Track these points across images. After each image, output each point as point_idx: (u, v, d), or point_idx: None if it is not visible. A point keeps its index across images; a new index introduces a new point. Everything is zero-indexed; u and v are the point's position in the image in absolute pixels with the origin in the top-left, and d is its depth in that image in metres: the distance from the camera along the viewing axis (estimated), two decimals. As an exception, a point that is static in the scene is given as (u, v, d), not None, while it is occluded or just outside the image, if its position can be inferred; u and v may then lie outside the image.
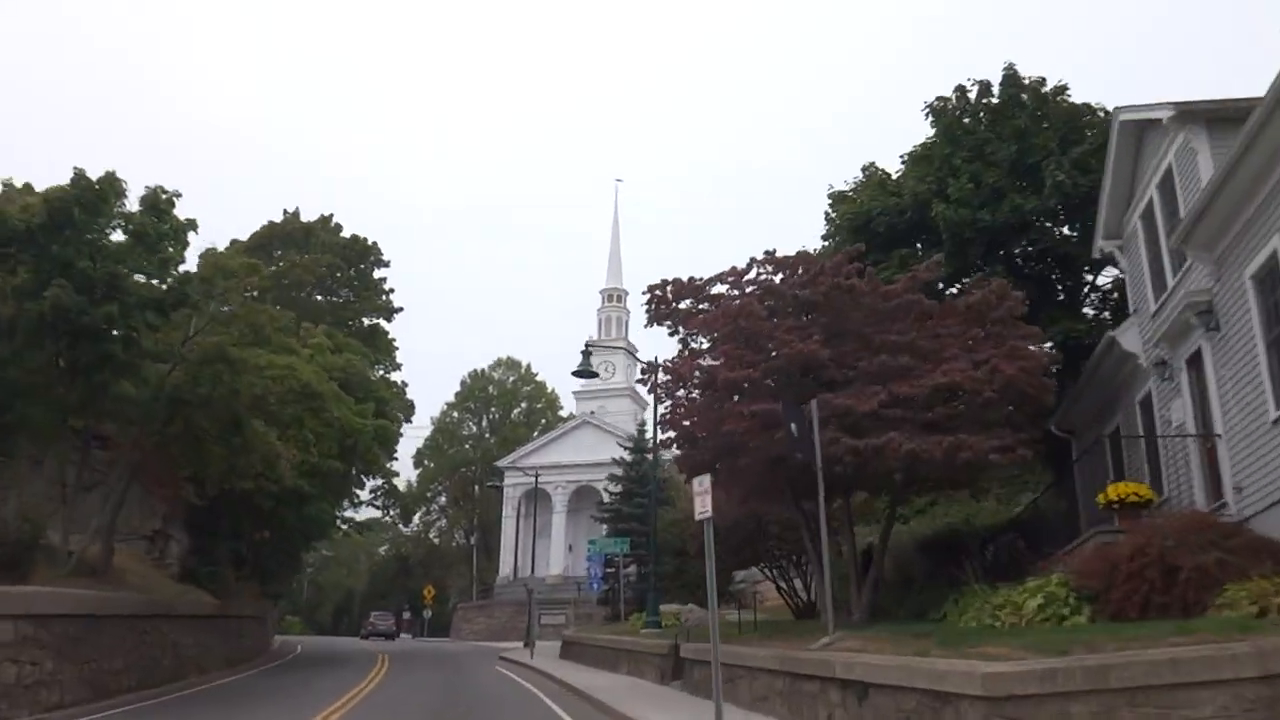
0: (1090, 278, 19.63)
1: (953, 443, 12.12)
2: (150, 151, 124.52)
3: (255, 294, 23.94)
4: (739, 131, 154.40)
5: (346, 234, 41.35)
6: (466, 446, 76.58)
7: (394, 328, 42.14)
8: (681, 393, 16.22)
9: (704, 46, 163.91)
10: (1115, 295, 19.99)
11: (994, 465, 12.78)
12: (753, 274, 15.46)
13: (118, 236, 17.75)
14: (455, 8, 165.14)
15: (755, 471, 14.09)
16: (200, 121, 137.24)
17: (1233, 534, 9.28)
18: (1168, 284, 12.21)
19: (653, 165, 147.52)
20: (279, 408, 18.30)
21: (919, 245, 19.25)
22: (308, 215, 42.22)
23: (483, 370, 78.31)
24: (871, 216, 19.10)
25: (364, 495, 38.72)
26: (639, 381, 17.64)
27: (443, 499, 77.57)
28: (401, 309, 42.22)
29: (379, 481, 38.04)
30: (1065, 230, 18.61)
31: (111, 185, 16.87)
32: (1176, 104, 11.30)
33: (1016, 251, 18.35)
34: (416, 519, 77.86)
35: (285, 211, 41.33)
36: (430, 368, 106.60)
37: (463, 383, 77.75)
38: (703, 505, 10.40)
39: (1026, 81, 19.63)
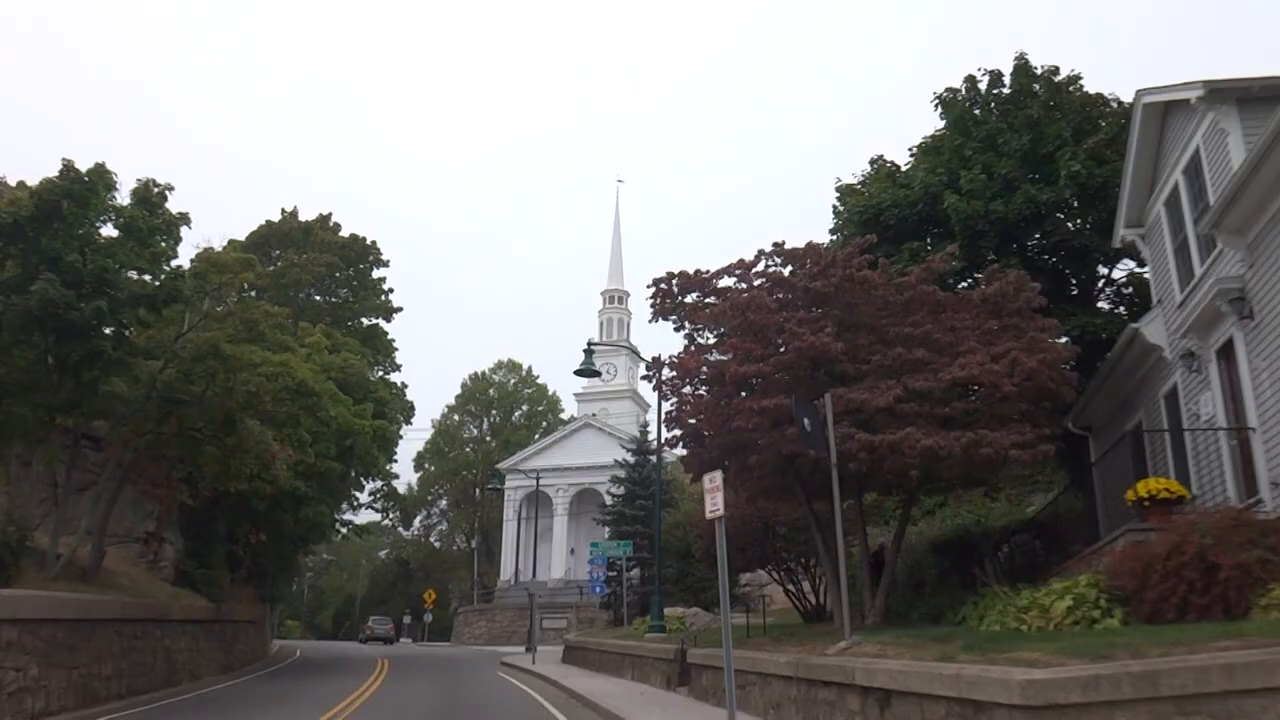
0: (1105, 271, 19.15)
1: (973, 438, 11.64)
2: (149, 169, 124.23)
3: (252, 292, 23.54)
4: (741, 131, 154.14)
5: (345, 234, 40.88)
6: (467, 449, 76.11)
7: (394, 329, 41.75)
8: (687, 389, 15.73)
9: (706, 47, 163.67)
10: (1130, 290, 19.54)
11: (1014, 462, 12.27)
12: (761, 266, 14.98)
13: (109, 231, 17.34)
14: (456, 8, 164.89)
15: (765, 470, 13.60)
16: (200, 139, 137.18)
17: (1273, 531, 8.78)
18: (1195, 272, 11.73)
19: (653, 166, 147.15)
20: (274, 406, 17.82)
21: (929, 239, 18.79)
22: (307, 219, 41.82)
23: (483, 373, 77.89)
24: (881, 209, 18.62)
25: (363, 498, 38.26)
26: (644, 378, 17.16)
27: (443, 502, 77.12)
28: (401, 309, 41.77)
29: (378, 484, 37.56)
30: (1080, 222, 18.10)
31: (101, 177, 16.42)
32: (1207, 82, 10.82)
33: (1030, 244, 17.86)
34: (417, 522, 77.50)
35: (283, 211, 40.89)
36: (431, 371, 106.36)
37: (463, 385, 77.36)
38: (713, 503, 9.91)
39: (1039, 71, 19.18)
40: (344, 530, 39.13)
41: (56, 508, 18.81)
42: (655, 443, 36.60)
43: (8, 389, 16.08)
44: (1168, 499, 10.30)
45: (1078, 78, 19.05)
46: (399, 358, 41.25)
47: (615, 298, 69.40)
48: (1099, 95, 19.01)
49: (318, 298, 39.97)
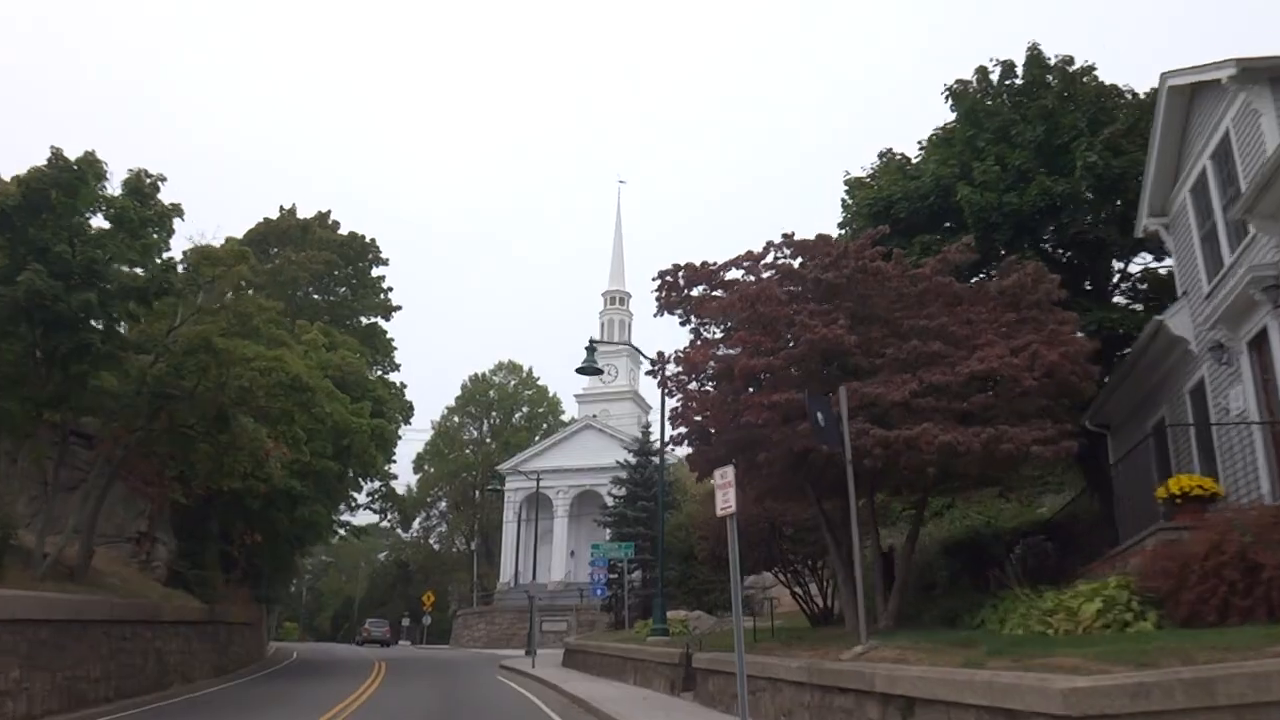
0: (1120, 266, 18.70)
1: (993, 434, 11.17)
2: (149, 169, 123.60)
3: (250, 291, 23.06)
4: (741, 131, 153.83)
5: (344, 231, 40.42)
6: (467, 451, 75.63)
7: (393, 329, 41.30)
8: (693, 385, 15.27)
9: (706, 47, 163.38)
10: (1145, 285, 19.08)
11: (1035, 459, 11.79)
12: (770, 258, 14.52)
13: (100, 223, 16.89)
14: (456, 8, 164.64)
15: (775, 468, 13.11)
16: (200, 139, 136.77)
17: (1315, 530, 8.31)
18: (1224, 260, 11.27)
19: (654, 166, 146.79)
20: (267, 402, 17.33)
21: (941, 232, 18.31)
22: (306, 217, 41.37)
23: (483, 374, 77.39)
24: (892, 202, 18.15)
25: (361, 499, 37.75)
26: (648, 373, 16.70)
27: (443, 504, 76.61)
28: (400, 307, 41.32)
29: (377, 484, 37.05)
30: (1096, 215, 17.63)
31: (91, 167, 15.96)
32: (1239, 61, 10.36)
33: (1044, 237, 17.40)
34: (416, 524, 76.95)
35: (282, 209, 40.46)
36: (431, 372, 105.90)
37: (463, 387, 76.87)
38: (724, 499, 9.43)
39: (1052, 62, 18.73)
40: (342, 531, 38.67)
41: (46, 506, 18.37)
42: (658, 442, 36.21)
43: (-6, 382, 15.63)
44: (1200, 496, 9.83)
45: (1091, 68, 18.59)
46: (398, 357, 40.86)
47: (617, 298, 68.90)
48: (1113, 86, 18.56)
49: (316, 296, 39.51)
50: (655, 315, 15.64)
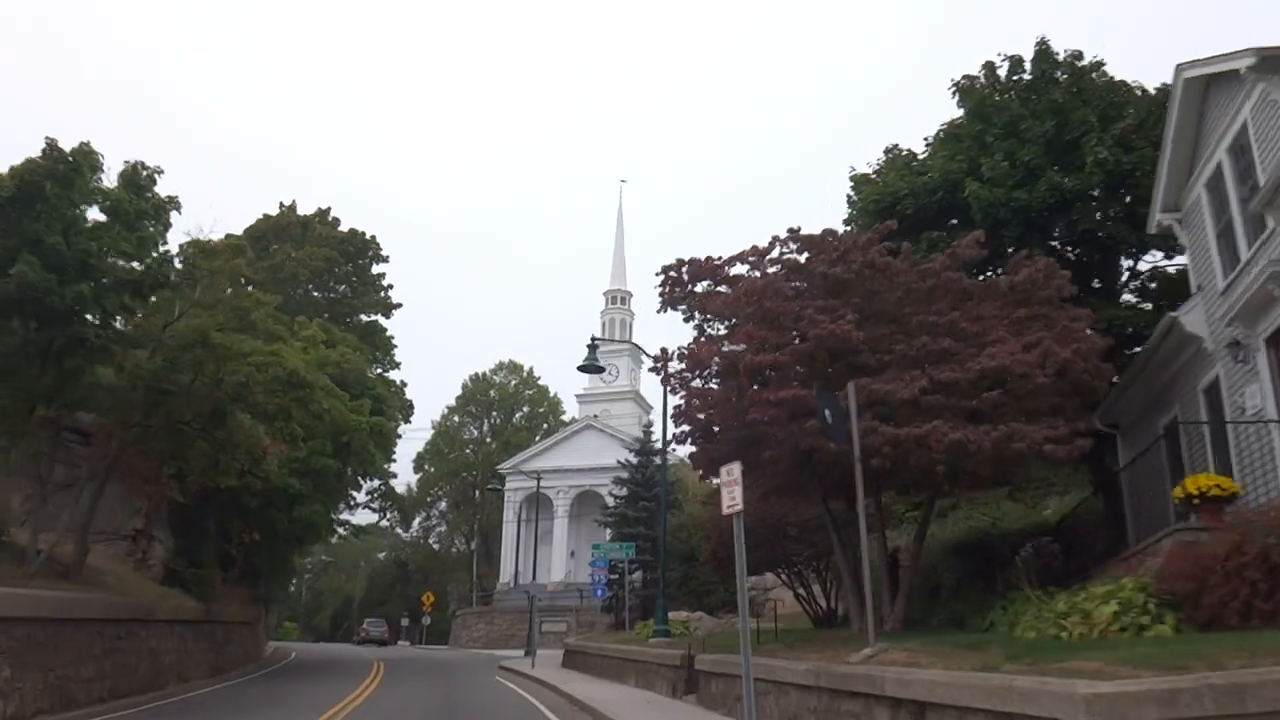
0: (1129, 264, 18.47)
1: (1005, 432, 10.93)
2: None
3: (247, 285, 22.80)
4: (741, 131, 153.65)
5: (344, 228, 40.16)
6: (467, 451, 75.34)
7: (393, 327, 41.06)
8: (697, 383, 15.05)
9: (706, 47, 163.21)
10: (1154, 284, 18.85)
11: (1048, 458, 11.54)
12: (775, 253, 14.30)
13: (96, 216, 16.65)
14: (456, 8, 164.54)
15: (780, 466, 12.88)
16: (200, 139, 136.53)
17: (1340, 529, 8.06)
18: (1241, 256, 11.02)
19: (654, 166, 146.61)
20: (265, 398, 17.08)
21: (947, 229, 18.07)
22: (306, 213, 41.12)
23: (484, 374, 77.10)
24: (899, 198, 17.89)
25: (360, 498, 37.51)
26: (651, 369, 16.47)
27: (443, 504, 76.33)
28: (400, 305, 41.10)
29: (376, 483, 36.81)
30: (1105, 212, 17.38)
31: (86, 158, 15.71)
32: (1258, 50, 10.12)
33: (1053, 233, 17.15)
34: (416, 524, 76.71)
35: (282, 205, 40.22)
36: (431, 371, 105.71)
37: (464, 386, 76.58)
38: (731, 497, 9.17)
39: (1060, 57, 18.49)
40: (341, 531, 38.45)
41: (40, 502, 18.14)
42: (660, 441, 35.95)
43: (-13, 376, 15.39)
44: (1218, 496, 9.58)
45: (1100, 63, 18.36)
46: (398, 355, 40.60)
47: (618, 298, 68.63)
48: (1122, 82, 18.33)
49: (316, 294, 39.26)
50: (658, 311, 15.42)
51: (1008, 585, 15.71)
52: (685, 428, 15.21)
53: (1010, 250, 17.10)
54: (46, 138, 15.25)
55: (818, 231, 14.53)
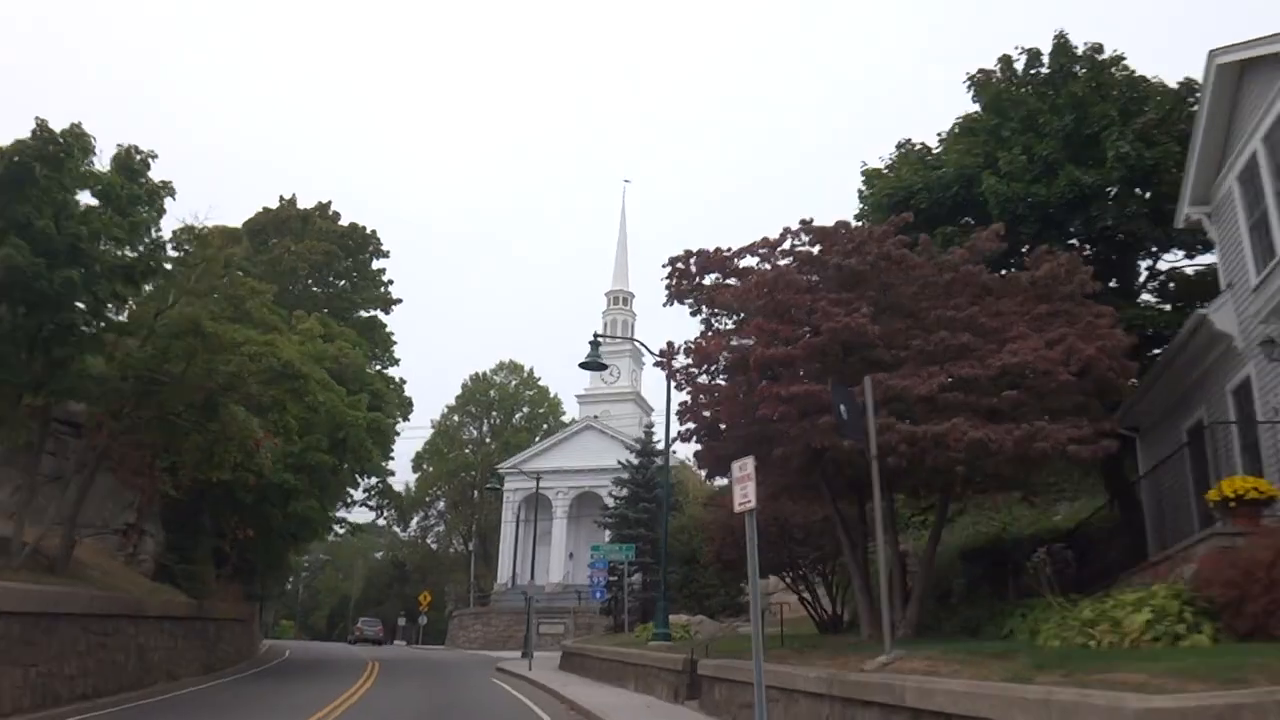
0: (1148, 264, 18.00)
1: (1027, 431, 10.46)
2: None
3: (242, 274, 22.33)
4: (741, 132, 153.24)
5: (344, 223, 39.68)
6: (466, 451, 74.91)
7: (393, 325, 40.62)
8: (704, 378, 14.59)
9: (706, 47, 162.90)
10: (1173, 284, 18.39)
11: (1071, 459, 11.07)
12: (787, 244, 13.86)
13: (89, 201, 16.20)
14: (456, 8, 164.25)
15: (791, 465, 12.41)
16: (200, 139, 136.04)
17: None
18: (1277, 251, 10.54)
19: (653, 166, 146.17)
20: (259, 390, 16.60)
21: (962, 225, 17.61)
22: (306, 207, 40.62)
23: (484, 374, 76.69)
24: (912, 192, 17.43)
25: (358, 495, 37.02)
26: (656, 364, 16.01)
27: (441, 504, 75.88)
28: (400, 300, 40.63)
29: (374, 481, 36.31)
30: (1125, 210, 16.92)
31: (78, 140, 15.25)
32: (1301, 33, 9.67)
33: (1072, 230, 16.67)
34: (414, 524, 76.25)
35: (281, 198, 39.71)
36: (431, 371, 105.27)
37: (464, 386, 76.18)
38: (743, 494, 8.70)
39: (1079, 51, 18.03)
40: (339, 529, 37.97)
41: (27, 495, 17.67)
42: (662, 441, 35.44)
43: (-28, 364, 14.93)
44: (1256, 500, 9.10)
45: (1121, 57, 17.90)
46: (397, 352, 40.13)
47: (620, 298, 68.18)
48: (1142, 77, 17.87)
49: (315, 289, 38.78)
50: (665, 304, 14.97)
51: (1021, 592, 15.26)
52: (690, 425, 14.76)
53: (1024, 249, 16.70)
54: (36, 118, 14.80)
55: (829, 224, 14.11)
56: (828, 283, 12.87)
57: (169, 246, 16.44)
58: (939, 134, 19.63)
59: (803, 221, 13.81)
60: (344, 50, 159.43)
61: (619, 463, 39.37)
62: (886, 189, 18.16)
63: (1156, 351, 16.08)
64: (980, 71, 18.87)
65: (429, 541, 78.57)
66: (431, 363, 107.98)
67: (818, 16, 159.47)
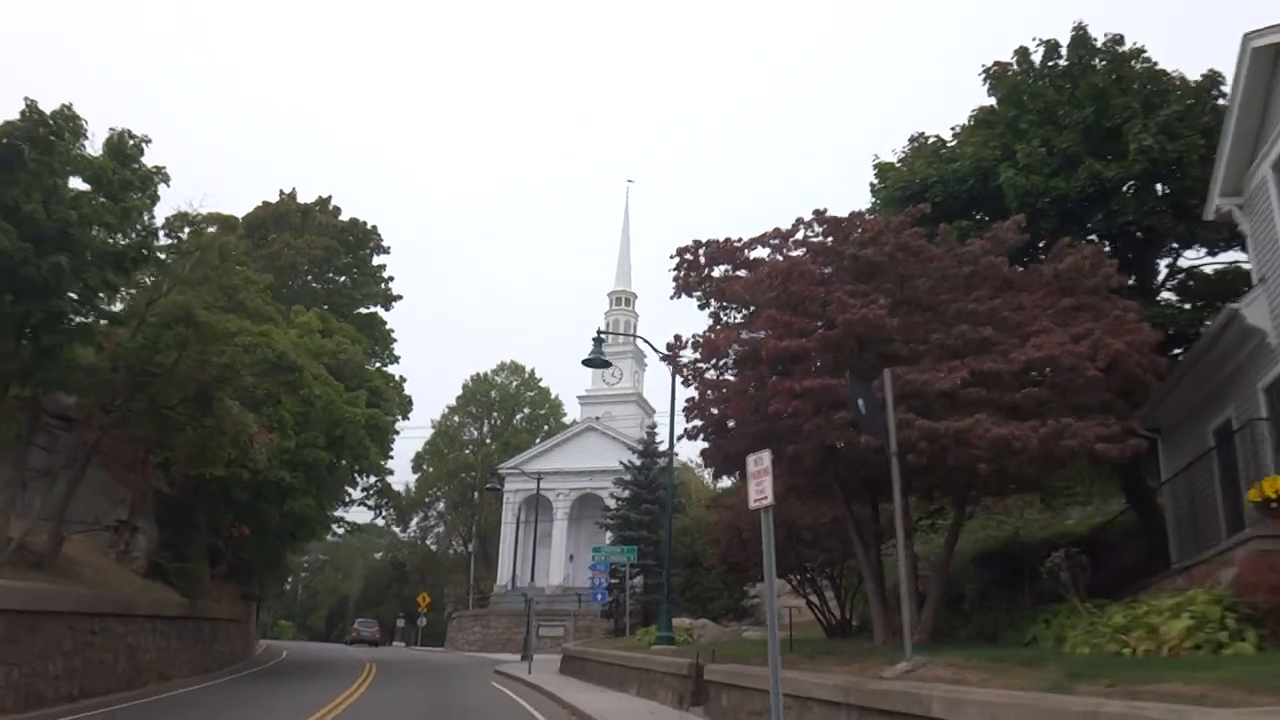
0: (1168, 260, 17.54)
1: (1054, 428, 9.98)
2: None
3: (239, 265, 21.88)
4: (741, 131, 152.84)
5: (345, 218, 39.23)
6: (467, 451, 74.43)
7: (394, 323, 40.12)
8: (712, 374, 14.12)
9: (706, 47, 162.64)
10: (1191, 283, 17.93)
11: (1099, 458, 10.59)
12: (799, 235, 13.40)
13: (80, 186, 15.76)
14: (457, 10, 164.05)
15: (804, 463, 11.92)
16: (200, 139, 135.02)
17: None
18: (1316, 242, 10.11)
19: (653, 166, 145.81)
20: (253, 382, 16.13)
21: (976, 220, 17.16)
22: (306, 201, 40.20)
23: (485, 374, 76.23)
24: (926, 185, 16.97)
25: (356, 494, 36.51)
26: (664, 358, 15.55)
27: (441, 505, 75.40)
28: (400, 297, 40.17)
29: (372, 480, 35.81)
30: (1146, 205, 16.47)
31: (68, 122, 14.79)
32: (1348, 12, 9.22)
33: (1089, 225, 16.22)
34: (414, 524, 75.75)
35: (281, 192, 39.25)
36: (431, 372, 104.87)
37: (464, 386, 75.74)
38: (759, 489, 8.23)
39: (1099, 44, 17.59)
40: (337, 528, 37.48)
41: (24, 490, 17.21)
42: (664, 443, 34.97)
43: (-43, 353, 14.47)
44: (1298, 501, 8.62)
45: (1141, 50, 17.44)
46: (397, 350, 39.65)
47: (623, 299, 67.72)
48: (1163, 71, 17.42)
49: (315, 285, 38.32)
50: (672, 297, 14.51)
51: (1037, 597, 14.79)
52: (697, 422, 14.31)
53: (1041, 244, 16.25)
54: (26, 99, 14.36)
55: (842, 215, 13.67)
56: (842, 274, 12.41)
57: (161, 234, 15.99)
58: (953, 128, 19.20)
59: (816, 212, 13.37)
60: (345, 50, 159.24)
61: (621, 463, 38.92)
62: (900, 182, 17.72)
63: (1177, 352, 15.64)
64: (996, 64, 18.43)
65: (429, 542, 78.07)
66: (432, 363, 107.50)
67: (817, 16, 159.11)
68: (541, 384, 77.18)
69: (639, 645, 22.37)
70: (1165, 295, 17.77)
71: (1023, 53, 18.18)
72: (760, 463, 8.17)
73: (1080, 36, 17.62)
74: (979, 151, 16.86)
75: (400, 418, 35.17)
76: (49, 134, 14.49)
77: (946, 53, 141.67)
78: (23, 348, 15.04)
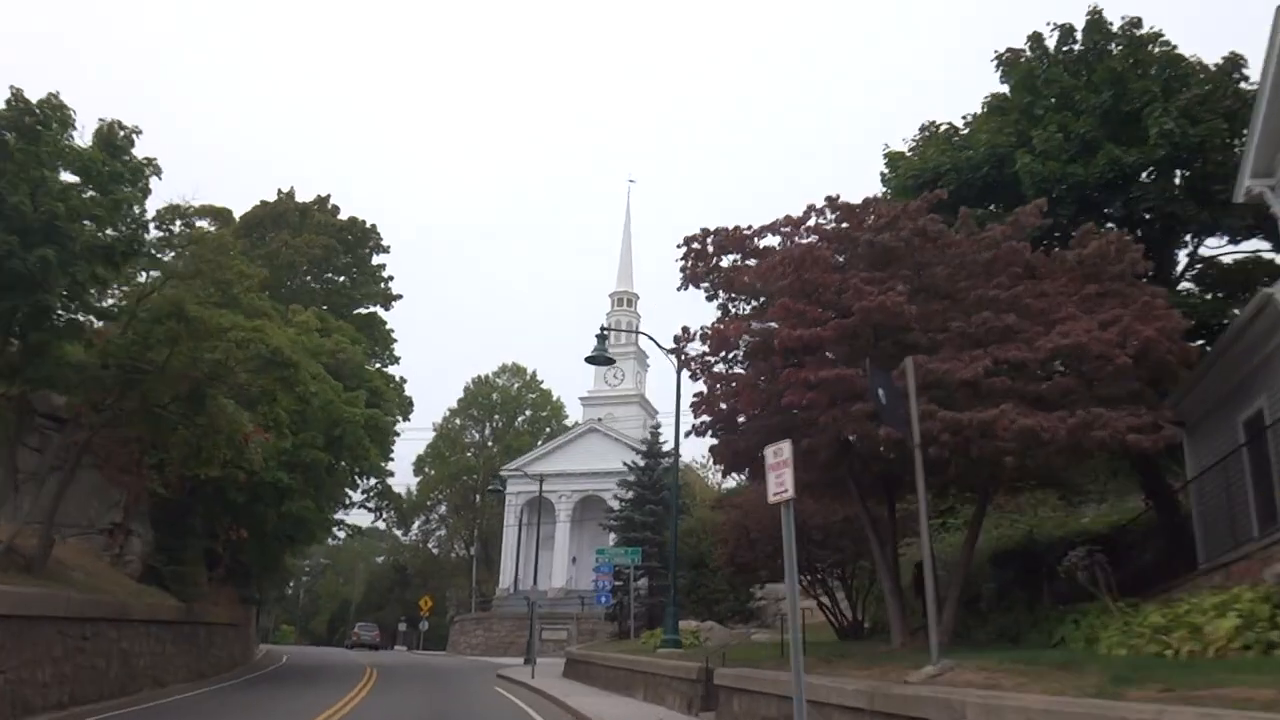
0: (1188, 250, 17.08)
1: (1083, 419, 9.51)
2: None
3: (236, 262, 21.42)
4: (741, 131, 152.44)
5: (344, 217, 38.79)
6: (469, 454, 74.01)
7: (394, 323, 39.66)
8: (721, 367, 13.65)
9: (706, 47, 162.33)
10: (1212, 274, 17.46)
11: (1130, 450, 10.12)
12: (811, 222, 12.94)
13: (69, 178, 15.32)
14: (457, 10, 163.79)
15: (818, 458, 11.44)
16: (200, 139, 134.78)
17: None
18: (1356, 222, 9.65)
19: (653, 167, 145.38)
20: (247, 379, 15.67)
21: (988, 209, 16.70)
22: (304, 200, 39.79)
23: (487, 376, 75.86)
24: (940, 174, 16.50)
25: (356, 496, 36.02)
26: (671, 352, 15.04)
27: (443, 508, 74.96)
28: (400, 296, 39.71)
29: (373, 482, 35.33)
30: (1166, 191, 16.00)
31: (56, 111, 14.38)
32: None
33: (1108, 211, 15.75)
34: (415, 528, 75.29)
35: (280, 191, 38.81)
36: (432, 373, 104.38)
37: (466, 389, 75.36)
38: (779, 482, 7.75)
39: (1115, 28, 17.14)
40: (338, 531, 37.00)
41: (15, 492, 16.79)
42: (668, 443, 34.53)
43: (-58, 350, 14.04)
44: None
45: (1159, 34, 16.99)
46: (397, 350, 39.20)
47: (625, 299, 67.26)
48: (1181, 55, 16.96)
49: (314, 284, 37.87)
50: (679, 288, 14.05)
51: (1057, 597, 14.32)
52: (705, 418, 13.83)
53: (1058, 234, 15.78)
54: (11, 87, 13.96)
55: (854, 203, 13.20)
56: (857, 261, 11.96)
57: (152, 227, 15.53)
58: (964, 116, 18.74)
59: (828, 198, 12.91)
60: (345, 51, 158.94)
61: (624, 464, 38.44)
62: (912, 171, 17.27)
63: (1198, 342, 15.20)
64: (1009, 50, 17.99)
65: (430, 546, 77.64)
66: (433, 364, 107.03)
67: (817, 16, 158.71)
68: (543, 386, 76.89)
69: (644, 648, 21.90)
70: (1187, 285, 17.34)
71: (1036, 38, 17.74)
72: (780, 454, 7.69)
73: (1095, 21, 17.18)
74: (993, 138, 16.41)
75: (401, 419, 34.73)
76: (35, 123, 14.07)
77: (947, 53, 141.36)
78: (10, 345, 14.62)
